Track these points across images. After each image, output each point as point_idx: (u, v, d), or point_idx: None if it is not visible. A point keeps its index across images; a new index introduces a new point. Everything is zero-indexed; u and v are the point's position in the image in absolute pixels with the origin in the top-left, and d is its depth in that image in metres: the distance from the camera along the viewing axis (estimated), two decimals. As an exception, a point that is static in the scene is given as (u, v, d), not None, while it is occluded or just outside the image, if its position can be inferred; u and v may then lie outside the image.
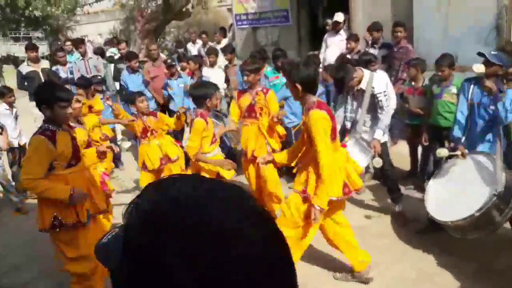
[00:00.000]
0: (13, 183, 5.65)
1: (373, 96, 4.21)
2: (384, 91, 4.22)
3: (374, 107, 4.25)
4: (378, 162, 4.23)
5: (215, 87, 4.03)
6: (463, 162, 3.71)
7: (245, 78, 4.49)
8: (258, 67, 4.49)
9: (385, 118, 4.27)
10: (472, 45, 5.73)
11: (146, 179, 4.81)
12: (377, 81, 4.23)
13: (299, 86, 3.07)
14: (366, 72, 4.29)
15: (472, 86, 3.80)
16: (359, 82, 4.23)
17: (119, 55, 8.91)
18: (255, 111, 4.48)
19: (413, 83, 5.13)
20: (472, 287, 3.35)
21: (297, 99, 3.28)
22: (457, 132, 3.89)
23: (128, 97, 6.25)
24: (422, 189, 5.07)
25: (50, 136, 2.85)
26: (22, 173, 2.86)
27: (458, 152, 3.75)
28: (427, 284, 3.45)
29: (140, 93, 5.14)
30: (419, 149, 5.33)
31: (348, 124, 4.58)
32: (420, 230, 4.19)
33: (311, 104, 3.07)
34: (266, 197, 4.53)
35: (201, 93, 3.91)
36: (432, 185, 3.85)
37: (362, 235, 4.18)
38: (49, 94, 2.86)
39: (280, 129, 4.53)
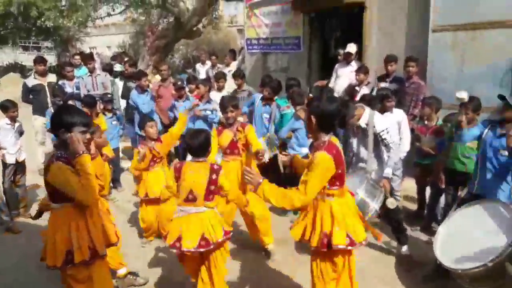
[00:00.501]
0: (4, 201, 5.46)
1: (376, 135, 4.12)
2: (386, 129, 4.12)
3: (377, 145, 4.17)
4: (392, 203, 4.09)
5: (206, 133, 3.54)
6: (476, 208, 3.54)
7: (229, 114, 4.35)
8: (236, 103, 4.47)
9: (394, 155, 4.17)
10: (487, 84, 5.62)
11: (148, 211, 4.81)
12: (378, 119, 4.15)
13: (314, 120, 2.83)
14: (367, 110, 4.20)
15: (487, 129, 3.66)
16: (358, 119, 4.15)
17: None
18: (238, 148, 4.42)
19: (426, 121, 4.98)
20: None
21: (310, 133, 3.02)
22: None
23: (138, 121, 6.16)
24: (429, 231, 4.94)
25: (66, 163, 2.67)
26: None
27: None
28: None
29: (151, 119, 5.16)
30: (427, 189, 5.17)
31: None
32: (427, 277, 3.98)
33: (320, 144, 2.81)
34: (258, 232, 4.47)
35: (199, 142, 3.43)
36: (442, 230, 3.67)
37: (362, 278, 3.99)
38: (70, 118, 2.66)
39: (254, 165, 4.38)
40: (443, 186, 4.65)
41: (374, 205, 3.73)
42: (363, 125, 4.15)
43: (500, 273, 3.16)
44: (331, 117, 2.82)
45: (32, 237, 5.19)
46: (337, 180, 2.83)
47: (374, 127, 4.09)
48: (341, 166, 2.82)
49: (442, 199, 4.86)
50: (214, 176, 3.35)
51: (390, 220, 4.39)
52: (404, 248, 4.36)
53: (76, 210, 2.71)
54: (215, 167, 3.41)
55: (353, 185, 3.82)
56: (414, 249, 4.42)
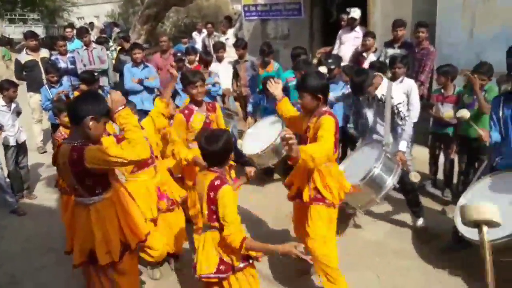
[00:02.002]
0: (9, 182, 5.36)
1: (392, 107, 3.99)
2: (404, 101, 4.04)
3: (392, 117, 4.04)
4: (416, 176, 4.03)
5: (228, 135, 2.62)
6: (498, 178, 3.45)
7: (199, 89, 3.64)
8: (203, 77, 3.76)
9: (408, 128, 4.07)
10: (499, 50, 5.43)
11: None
12: (396, 91, 4.03)
13: (310, 96, 3.01)
14: (385, 80, 4.07)
15: (502, 103, 3.52)
16: (376, 89, 4.02)
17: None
18: None
19: (442, 90, 4.84)
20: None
21: (310, 109, 3.07)
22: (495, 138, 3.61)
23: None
24: (443, 202, 4.90)
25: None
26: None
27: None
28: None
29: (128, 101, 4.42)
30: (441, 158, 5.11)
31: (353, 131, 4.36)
32: (445, 249, 3.94)
33: (323, 111, 3.03)
34: None
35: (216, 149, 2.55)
36: (463, 201, 3.59)
37: (381, 253, 4.02)
38: (100, 106, 2.48)
39: None
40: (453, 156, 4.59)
41: (390, 181, 3.66)
42: (379, 95, 4.01)
43: None
44: (327, 90, 3.08)
45: (37, 218, 5.12)
46: (335, 146, 2.97)
47: (392, 98, 3.95)
48: (337, 134, 2.99)
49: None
50: (212, 194, 2.47)
51: (407, 193, 4.31)
52: (420, 221, 4.32)
53: (109, 203, 2.58)
54: (216, 182, 2.46)
55: (370, 160, 3.75)
56: (429, 221, 4.37)
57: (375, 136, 4.21)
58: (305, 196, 3.14)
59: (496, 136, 3.60)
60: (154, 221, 3.49)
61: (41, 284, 3.81)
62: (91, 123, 2.43)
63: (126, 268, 2.67)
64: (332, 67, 5.34)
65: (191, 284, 3.61)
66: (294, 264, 3.48)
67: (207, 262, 2.51)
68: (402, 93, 4.15)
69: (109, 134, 3.52)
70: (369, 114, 4.25)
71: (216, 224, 2.48)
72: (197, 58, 6.76)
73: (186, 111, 3.67)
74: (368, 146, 4.10)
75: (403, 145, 4.04)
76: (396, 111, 3.99)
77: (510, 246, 3.09)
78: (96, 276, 2.62)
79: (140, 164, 3.38)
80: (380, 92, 4.01)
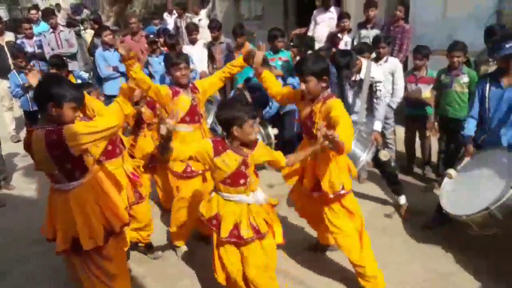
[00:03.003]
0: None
1: (371, 86, 4.06)
2: (383, 82, 4.11)
3: (370, 97, 4.11)
4: (385, 155, 4.13)
5: (249, 109, 2.66)
6: (481, 157, 3.59)
7: (183, 72, 3.49)
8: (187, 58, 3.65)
9: (382, 108, 4.15)
10: (470, 29, 5.57)
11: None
12: (375, 71, 4.09)
13: (316, 80, 2.92)
14: (364, 61, 4.12)
15: (488, 85, 3.62)
16: (359, 71, 4.06)
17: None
18: (198, 113, 3.59)
19: (415, 71, 4.93)
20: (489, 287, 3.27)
21: (316, 94, 2.98)
22: (468, 131, 3.73)
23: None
24: (424, 180, 5.06)
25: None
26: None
27: (466, 158, 3.67)
28: (441, 285, 3.35)
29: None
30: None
31: None
32: (427, 224, 4.10)
33: (329, 94, 2.98)
34: None
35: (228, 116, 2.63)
36: (447, 181, 3.72)
37: (367, 230, 4.06)
38: (63, 91, 2.36)
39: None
40: (438, 135, 4.71)
41: (364, 157, 3.73)
42: (362, 76, 4.05)
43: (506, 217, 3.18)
44: (328, 74, 2.97)
45: (17, 209, 5.00)
46: None
47: (373, 77, 4.01)
48: None
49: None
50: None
51: (384, 173, 4.43)
52: (402, 198, 4.43)
53: (88, 188, 2.53)
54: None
55: None
56: (411, 198, 4.49)
57: (353, 118, 4.26)
58: (326, 188, 3.05)
59: (468, 131, 3.71)
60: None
61: (29, 275, 3.74)
62: (53, 109, 2.34)
63: (111, 253, 2.63)
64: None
65: (179, 270, 3.67)
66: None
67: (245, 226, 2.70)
68: (381, 73, 4.20)
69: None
70: (350, 96, 4.28)
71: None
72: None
73: (173, 90, 3.50)
74: None
75: (377, 125, 4.11)
76: (374, 89, 4.05)
77: (490, 219, 3.21)
78: (82, 265, 2.58)
79: (108, 154, 3.30)
80: (363, 73, 4.05)
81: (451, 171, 3.62)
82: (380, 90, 4.07)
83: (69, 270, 2.78)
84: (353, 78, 4.12)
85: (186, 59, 3.58)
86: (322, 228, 3.47)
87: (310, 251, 3.80)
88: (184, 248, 3.85)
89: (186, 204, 3.58)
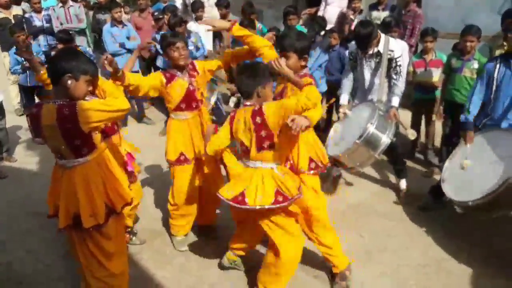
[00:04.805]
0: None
1: (390, 61, 3.94)
2: (401, 55, 3.97)
3: (388, 73, 4.00)
4: (413, 134, 4.08)
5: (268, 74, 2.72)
6: (483, 141, 3.51)
7: (176, 53, 3.21)
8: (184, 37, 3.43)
9: (401, 84, 4.01)
10: (484, 13, 5.43)
11: None
12: (394, 45, 3.97)
13: (296, 56, 2.82)
14: (382, 35, 4.00)
15: (498, 65, 3.52)
16: (378, 43, 3.94)
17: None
18: (196, 99, 3.33)
19: (423, 55, 4.82)
20: (484, 273, 3.26)
21: (293, 69, 2.78)
22: (471, 116, 3.64)
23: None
24: (426, 165, 5.01)
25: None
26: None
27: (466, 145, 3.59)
28: (437, 270, 3.34)
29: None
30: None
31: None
32: (422, 207, 4.08)
33: (304, 73, 2.88)
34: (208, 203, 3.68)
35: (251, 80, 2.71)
36: (449, 166, 3.66)
37: (366, 215, 4.13)
38: (80, 63, 2.34)
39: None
40: (442, 120, 4.63)
41: (385, 139, 3.66)
42: (381, 50, 3.93)
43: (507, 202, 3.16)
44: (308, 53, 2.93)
45: (18, 181, 5.03)
46: None
47: (393, 51, 3.90)
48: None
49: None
50: (258, 119, 2.67)
51: (391, 153, 4.20)
52: (403, 183, 4.38)
53: (94, 165, 2.51)
54: (256, 108, 2.66)
55: (363, 119, 3.74)
56: (412, 182, 4.45)
57: (370, 96, 4.17)
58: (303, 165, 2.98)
59: (474, 111, 3.63)
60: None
61: (25, 248, 3.77)
62: (69, 81, 2.31)
63: (111, 232, 2.62)
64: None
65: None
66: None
67: (262, 193, 2.63)
68: (400, 48, 4.05)
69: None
70: (366, 73, 4.15)
71: (267, 151, 2.66)
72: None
73: (168, 74, 3.27)
74: (361, 105, 4.09)
75: (395, 101, 4.00)
76: (394, 64, 3.94)
77: (493, 202, 3.15)
78: (81, 242, 2.57)
79: (108, 131, 3.25)
80: (381, 47, 3.94)
81: (467, 161, 3.51)
82: (400, 66, 3.94)
83: (71, 247, 2.77)
84: (370, 52, 3.99)
85: (183, 38, 3.37)
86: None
87: None
88: (180, 238, 3.70)
89: (184, 195, 3.49)
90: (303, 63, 2.86)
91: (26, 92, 6.48)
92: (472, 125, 3.62)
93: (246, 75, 2.69)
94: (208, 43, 6.61)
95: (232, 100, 4.86)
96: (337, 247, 3.15)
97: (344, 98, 4.27)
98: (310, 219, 3.05)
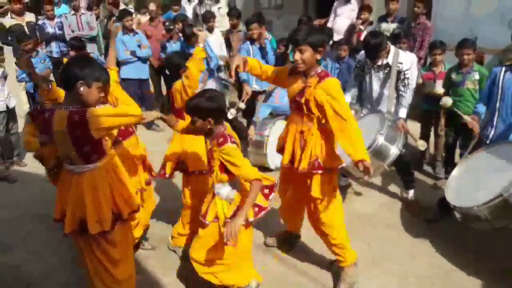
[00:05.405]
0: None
1: (399, 73, 3.95)
2: (410, 68, 4.00)
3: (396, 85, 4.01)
4: (423, 145, 4.11)
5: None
6: (490, 151, 3.49)
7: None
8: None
9: (409, 96, 4.03)
10: (494, 26, 5.44)
11: None
12: (404, 57, 3.99)
13: (310, 53, 2.78)
14: (392, 47, 4.02)
15: (503, 72, 3.53)
16: (387, 54, 3.96)
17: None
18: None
19: (433, 67, 4.83)
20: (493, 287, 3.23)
21: (308, 66, 2.83)
22: (481, 108, 3.69)
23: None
24: (433, 177, 4.99)
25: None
26: None
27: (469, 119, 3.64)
28: (444, 282, 3.32)
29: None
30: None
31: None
32: (429, 219, 4.07)
33: (324, 72, 2.86)
34: None
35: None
36: (455, 175, 3.64)
37: (373, 225, 4.12)
38: (93, 70, 2.38)
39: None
40: (443, 131, 4.63)
41: (395, 150, 3.65)
42: (390, 61, 3.95)
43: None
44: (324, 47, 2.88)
45: (27, 185, 5.08)
46: None
47: (401, 63, 3.92)
48: None
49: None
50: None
51: (399, 163, 4.15)
52: (411, 194, 4.38)
53: (102, 172, 2.52)
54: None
55: (373, 129, 3.72)
56: (419, 194, 4.45)
57: (378, 108, 4.16)
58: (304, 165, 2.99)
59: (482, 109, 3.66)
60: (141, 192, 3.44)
61: (32, 250, 3.80)
62: (81, 88, 2.34)
63: (117, 238, 2.62)
64: None
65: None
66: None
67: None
68: (410, 61, 4.07)
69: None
70: (375, 84, 4.15)
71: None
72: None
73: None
74: (370, 115, 4.08)
75: (403, 112, 4.01)
76: (402, 77, 3.96)
77: (496, 210, 3.09)
78: (87, 247, 2.58)
79: (123, 133, 3.29)
80: (390, 58, 3.96)
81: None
82: (408, 78, 3.96)
83: (79, 254, 2.77)
84: (379, 63, 4.01)
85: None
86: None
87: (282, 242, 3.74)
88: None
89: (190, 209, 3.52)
90: (318, 57, 2.82)
91: (34, 99, 6.56)
92: (480, 114, 3.66)
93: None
94: (222, 51, 6.65)
95: (231, 113, 4.85)
96: (347, 240, 3.21)
97: (347, 99, 4.28)
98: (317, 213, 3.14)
